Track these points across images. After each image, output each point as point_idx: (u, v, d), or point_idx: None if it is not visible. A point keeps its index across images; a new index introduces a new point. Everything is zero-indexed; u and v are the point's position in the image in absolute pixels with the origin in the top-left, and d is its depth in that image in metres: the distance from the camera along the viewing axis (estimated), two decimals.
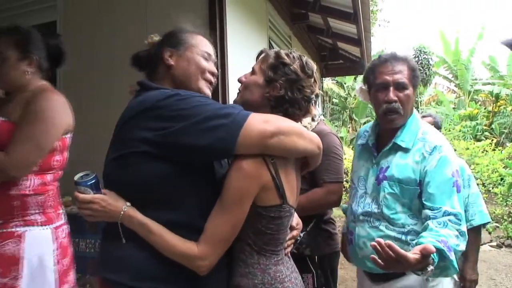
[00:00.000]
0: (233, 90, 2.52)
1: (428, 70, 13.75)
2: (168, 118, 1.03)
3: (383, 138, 1.60)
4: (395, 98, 1.48)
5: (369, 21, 5.08)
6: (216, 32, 2.60)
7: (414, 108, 1.61)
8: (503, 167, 7.02)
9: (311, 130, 1.84)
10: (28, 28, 1.59)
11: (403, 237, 1.44)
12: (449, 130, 10.45)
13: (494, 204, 6.60)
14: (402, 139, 1.51)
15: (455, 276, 2.04)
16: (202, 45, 1.26)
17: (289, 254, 1.24)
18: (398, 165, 1.49)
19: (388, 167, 1.51)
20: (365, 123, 11.86)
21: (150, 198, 1.08)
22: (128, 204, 1.07)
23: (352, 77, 12.84)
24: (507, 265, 4.92)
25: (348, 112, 14.12)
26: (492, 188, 6.80)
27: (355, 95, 13.02)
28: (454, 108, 13.54)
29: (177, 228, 1.06)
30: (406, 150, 1.50)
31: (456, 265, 1.24)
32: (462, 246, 1.30)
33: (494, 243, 5.76)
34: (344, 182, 2.18)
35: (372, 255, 1.09)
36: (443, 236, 1.25)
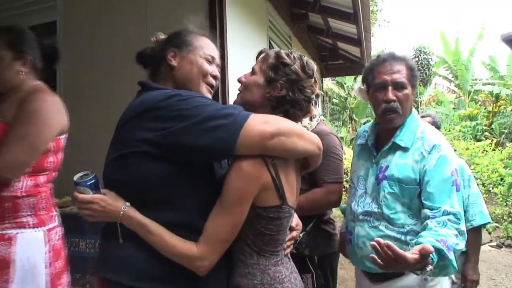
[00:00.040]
0: (233, 90, 2.52)
1: (428, 70, 13.75)
2: (168, 118, 1.03)
3: (382, 138, 1.60)
4: (394, 98, 1.48)
5: (369, 21, 5.08)
6: (216, 32, 2.60)
7: (413, 107, 1.62)
8: (503, 167, 7.02)
9: (311, 131, 1.84)
10: (22, 28, 1.57)
11: (403, 237, 1.44)
12: (449, 130, 10.45)
13: (494, 204, 6.60)
14: (401, 138, 1.51)
15: (453, 277, 2.05)
16: (207, 47, 1.26)
17: (289, 255, 1.24)
18: (398, 165, 1.49)
19: (387, 166, 1.52)
20: (365, 123, 11.84)
21: (150, 198, 1.08)
22: (128, 204, 1.07)
23: (352, 77, 12.84)
24: (507, 265, 4.93)
25: (348, 112, 14.12)
26: (492, 188, 6.81)
27: (355, 95, 13.01)
28: (454, 108, 13.53)
29: (177, 228, 1.06)
30: (405, 149, 1.50)
31: (455, 264, 1.24)
32: (461, 245, 1.30)
33: (494, 243, 5.76)
34: (344, 182, 2.18)
35: (372, 255, 1.09)
36: (442, 235, 1.25)
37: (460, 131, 10.52)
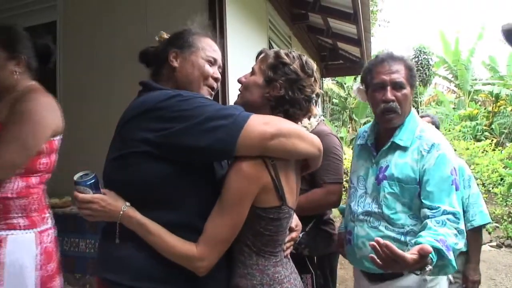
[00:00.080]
0: (233, 90, 2.52)
1: (428, 70, 13.75)
2: (169, 119, 1.03)
3: (382, 138, 1.60)
4: (393, 98, 1.49)
5: (369, 21, 5.08)
6: (216, 32, 2.60)
7: (413, 108, 1.62)
8: (503, 167, 7.02)
9: (310, 131, 1.85)
10: (15, 27, 1.55)
11: (402, 238, 1.44)
12: (449, 130, 10.45)
13: (494, 204, 6.60)
14: (400, 137, 1.52)
15: (450, 277, 2.04)
16: (209, 49, 1.26)
17: (289, 255, 1.24)
18: (398, 164, 1.49)
19: (387, 166, 1.52)
20: (365, 123, 11.86)
21: (150, 198, 1.08)
22: (128, 204, 1.07)
23: (352, 77, 12.83)
24: (507, 265, 4.92)
25: (348, 112, 14.12)
26: (492, 188, 6.80)
27: (355, 95, 13.00)
28: (454, 108, 13.53)
29: (177, 229, 1.06)
30: (404, 149, 1.50)
31: (454, 264, 1.24)
32: (461, 245, 1.31)
33: (494, 243, 5.76)
34: (344, 183, 2.18)
35: (371, 255, 1.09)
36: (441, 235, 1.25)
37: (460, 131, 10.52)
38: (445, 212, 1.34)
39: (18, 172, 1.42)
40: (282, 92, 1.15)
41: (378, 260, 1.08)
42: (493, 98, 12.25)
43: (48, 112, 1.47)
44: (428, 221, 1.33)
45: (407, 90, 1.51)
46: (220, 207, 1.06)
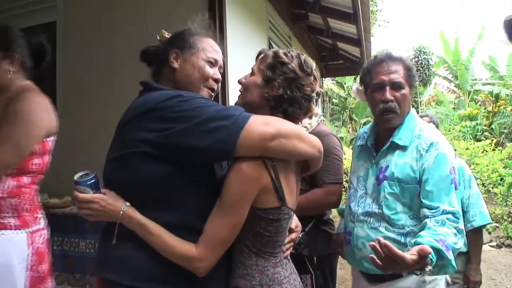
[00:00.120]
0: (233, 91, 2.52)
1: (428, 70, 13.75)
2: (170, 119, 1.03)
3: (381, 138, 1.60)
4: (392, 98, 1.49)
5: (369, 21, 5.09)
6: (216, 32, 2.60)
7: (413, 108, 1.62)
8: (503, 167, 7.01)
9: (310, 131, 1.84)
10: (9, 26, 1.53)
11: (402, 239, 1.44)
12: (449, 130, 10.45)
13: (494, 204, 6.59)
14: (399, 137, 1.52)
15: (448, 279, 2.04)
16: (209, 50, 1.25)
17: (288, 256, 1.24)
18: (397, 164, 1.49)
19: (387, 166, 1.52)
20: (365, 123, 11.87)
21: (150, 199, 1.08)
22: (128, 204, 1.08)
23: (352, 77, 12.82)
24: (507, 265, 4.92)
25: (348, 112, 14.11)
26: (492, 188, 6.80)
27: (354, 96, 12.99)
28: (454, 108, 13.52)
29: (177, 229, 1.06)
30: (404, 148, 1.50)
31: (454, 263, 1.24)
32: (460, 244, 1.31)
33: (494, 243, 5.76)
34: (344, 183, 2.18)
35: (371, 255, 1.09)
36: (441, 235, 1.25)
37: (460, 131, 10.51)
38: (444, 212, 1.34)
39: (9, 172, 1.40)
40: (281, 91, 1.15)
41: (378, 261, 1.08)
42: (493, 98, 12.24)
43: (42, 112, 1.46)
44: (427, 220, 1.33)
45: (406, 90, 1.51)
46: (220, 207, 1.06)
